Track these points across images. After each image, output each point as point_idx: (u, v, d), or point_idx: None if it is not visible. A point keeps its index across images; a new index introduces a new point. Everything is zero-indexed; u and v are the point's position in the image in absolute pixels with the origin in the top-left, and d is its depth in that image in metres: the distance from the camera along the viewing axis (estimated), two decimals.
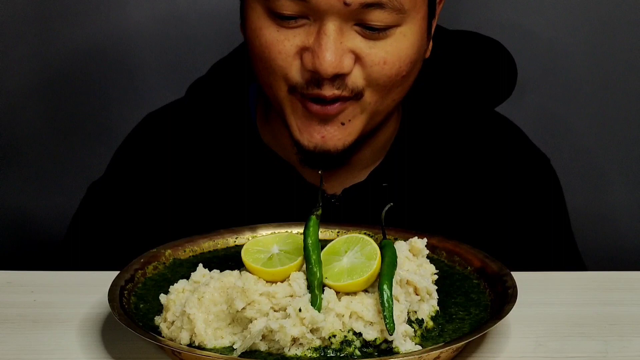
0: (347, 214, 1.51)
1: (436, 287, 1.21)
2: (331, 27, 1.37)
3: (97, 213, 1.62)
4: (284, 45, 1.40)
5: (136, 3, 2.08)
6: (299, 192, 1.55)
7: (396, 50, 1.41)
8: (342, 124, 1.44)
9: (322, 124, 1.44)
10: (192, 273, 1.21)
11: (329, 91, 1.40)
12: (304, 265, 1.16)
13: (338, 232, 1.42)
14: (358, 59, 1.40)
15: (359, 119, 1.44)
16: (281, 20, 1.40)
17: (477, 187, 1.58)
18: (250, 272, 1.17)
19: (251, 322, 1.13)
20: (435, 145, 1.58)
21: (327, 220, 1.41)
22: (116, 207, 1.61)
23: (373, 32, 1.39)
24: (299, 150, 1.47)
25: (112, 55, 2.10)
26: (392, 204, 1.22)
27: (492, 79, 1.61)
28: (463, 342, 1.13)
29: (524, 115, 1.90)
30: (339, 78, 1.40)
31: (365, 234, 1.31)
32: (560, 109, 2.15)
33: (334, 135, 1.44)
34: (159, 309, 1.20)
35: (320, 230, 1.21)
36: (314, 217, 1.19)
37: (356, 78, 1.41)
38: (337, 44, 1.38)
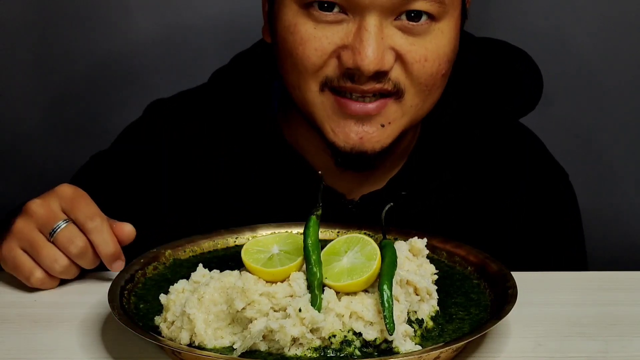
0: (363, 221, 1.46)
1: (436, 287, 1.21)
2: (372, 22, 1.35)
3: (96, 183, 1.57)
4: (321, 42, 1.37)
5: (140, 11, 2.08)
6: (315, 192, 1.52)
7: (436, 47, 1.39)
8: (382, 125, 1.40)
9: (360, 124, 1.40)
10: (192, 273, 1.21)
11: (367, 85, 1.37)
12: (304, 265, 1.16)
13: (338, 232, 1.42)
14: (398, 56, 1.38)
15: (399, 122, 1.42)
16: (319, 11, 1.37)
17: (493, 198, 1.56)
18: (250, 272, 1.17)
19: (251, 322, 1.13)
20: (455, 155, 1.55)
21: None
22: (117, 181, 1.58)
23: (413, 25, 1.37)
24: (333, 152, 1.43)
25: (116, 61, 2.10)
26: (392, 204, 1.22)
27: (518, 90, 1.58)
28: (463, 342, 1.13)
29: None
30: (379, 75, 1.37)
31: (365, 234, 1.31)
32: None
33: (372, 137, 1.40)
34: (159, 309, 1.20)
35: (320, 230, 1.21)
36: (314, 217, 1.18)
37: (398, 74, 1.38)
38: (379, 39, 1.35)
